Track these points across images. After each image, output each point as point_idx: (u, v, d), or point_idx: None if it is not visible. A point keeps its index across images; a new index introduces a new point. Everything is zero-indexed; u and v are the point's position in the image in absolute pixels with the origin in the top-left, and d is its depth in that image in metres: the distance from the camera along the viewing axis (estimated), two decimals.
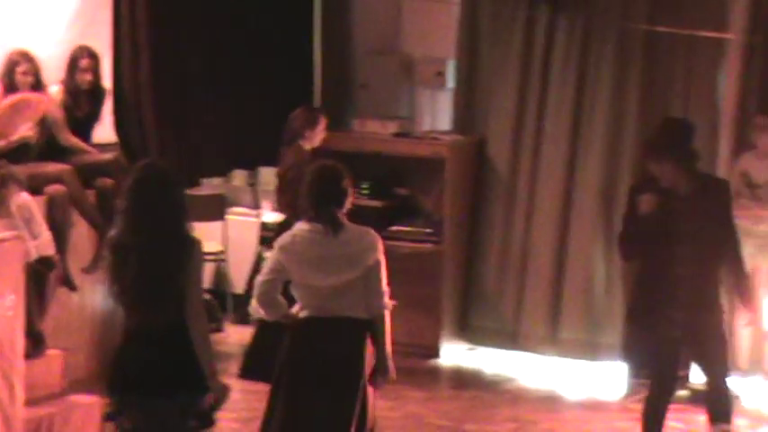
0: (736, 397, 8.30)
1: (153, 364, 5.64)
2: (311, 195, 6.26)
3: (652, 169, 6.95)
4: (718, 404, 7.09)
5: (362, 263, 6.27)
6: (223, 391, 5.80)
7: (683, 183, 6.83)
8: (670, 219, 6.85)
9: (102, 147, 8.60)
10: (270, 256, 6.42)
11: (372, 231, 6.40)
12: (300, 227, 6.27)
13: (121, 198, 5.79)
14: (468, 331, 9.80)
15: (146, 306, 5.64)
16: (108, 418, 6.13)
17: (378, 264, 6.33)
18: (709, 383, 7.14)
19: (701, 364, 7.24)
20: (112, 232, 5.76)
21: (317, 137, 8.69)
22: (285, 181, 8.50)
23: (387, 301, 6.41)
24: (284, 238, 6.30)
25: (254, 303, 6.49)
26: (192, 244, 5.64)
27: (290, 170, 8.31)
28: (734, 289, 7.06)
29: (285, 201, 8.49)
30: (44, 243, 7.24)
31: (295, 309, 6.33)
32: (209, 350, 5.70)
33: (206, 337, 5.72)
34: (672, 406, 7.20)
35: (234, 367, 9.17)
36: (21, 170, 7.71)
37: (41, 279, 7.25)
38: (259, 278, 6.36)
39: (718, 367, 7.12)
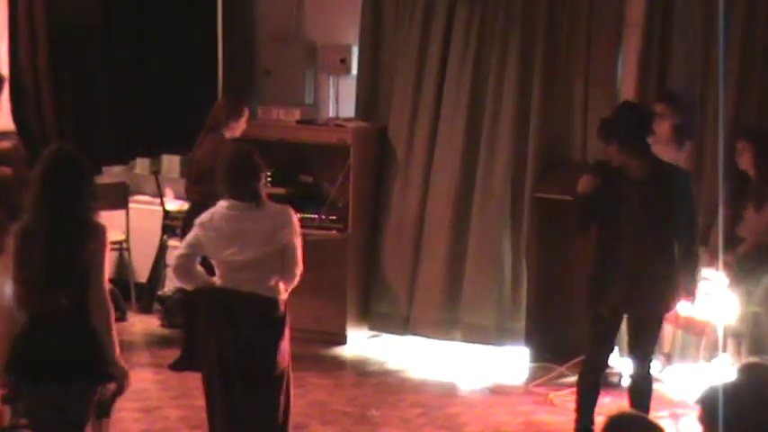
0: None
1: (53, 349, 5.66)
2: (231, 174, 6.52)
3: (605, 151, 7.31)
4: (638, 390, 7.27)
5: (277, 239, 6.46)
6: (124, 379, 5.78)
7: (634, 166, 7.00)
8: (618, 200, 7.02)
9: (0, 135, 8.49)
10: (190, 232, 6.63)
11: (289, 209, 6.58)
12: (220, 204, 6.53)
13: (30, 184, 5.80)
14: (370, 318, 9.83)
15: (49, 290, 5.65)
16: (4, 401, 6.09)
17: (291, 242, 6.41)
18: (633, 368, 7.32)
19: (629, 345, 7.42)
20: (20, 220, 5.77)
21: (239, 128, 8.75)
22: (202, 168, 8.49)
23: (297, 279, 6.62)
24: (204, 215, 6.57)
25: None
26: (98, 230, 5.67)
27: (209, 158, 8.29)
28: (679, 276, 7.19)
29: (199, 188, 8.48)
30: None
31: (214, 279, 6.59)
32: (111, 336, 5.69)
33: (109, 323, 5.70)
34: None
35: (138, 357, 9.19)
36: None
37: None
38: (177, 252, 6.61)
39: (642, 352, 7.29)
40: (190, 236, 6.61)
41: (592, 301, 7.30)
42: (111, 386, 5.75)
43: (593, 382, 7.37)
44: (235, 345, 6.60)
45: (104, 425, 6.06)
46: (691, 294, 7.21)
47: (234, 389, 6.69)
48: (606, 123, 7.49)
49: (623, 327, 7.47)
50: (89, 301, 5.65)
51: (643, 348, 7.33)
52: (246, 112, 8.69)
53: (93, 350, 5.67)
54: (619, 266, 7.13)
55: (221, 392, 6.68)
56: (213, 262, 6.61)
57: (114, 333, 5.73)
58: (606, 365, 7.54)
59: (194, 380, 8.26)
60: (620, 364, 8.36)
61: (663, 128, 8.29)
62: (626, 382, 8.22)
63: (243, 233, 6.47)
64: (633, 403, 7.32)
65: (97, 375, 5.71)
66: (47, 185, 5.72)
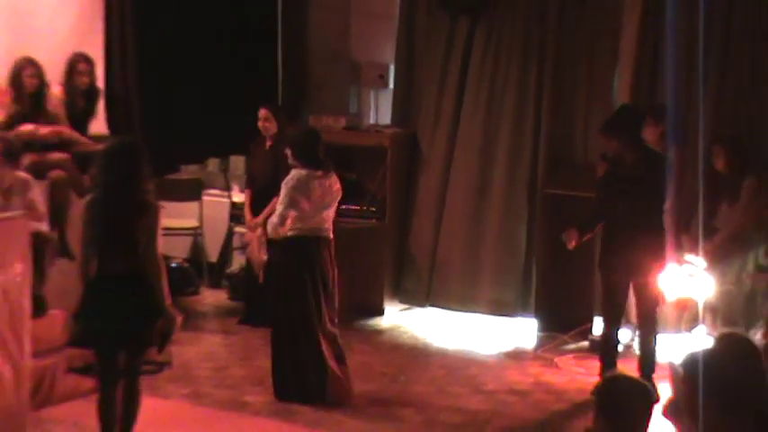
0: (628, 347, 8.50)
1: (114, 300, 5.88)
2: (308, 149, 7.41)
3: (607, 147, 7.66)
4: (646, 355, 7.42)
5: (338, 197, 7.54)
6: (173, 321, 5.92)
7: (630, 156, 7.21)
8: (617, 184, 7.40)
9: (97, 138, 8.56)
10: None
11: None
12: (300, 172, 7.31)
13: (95, 167, 5.97)
14: (402, 293, 9.84)
15: (111, 253, 5.88)
16: (72, 345, 6.20)
17: None
18: (640, 336, 7.54)
19: (637, 314, 7.80)
20: (89, 196, 5.92)
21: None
22: None
23: None
24: (292, 180, 7.30)
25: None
26: (152, 207, 5.84)
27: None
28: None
29: None
30: (39, 220, 7.22)
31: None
32: (161, 289, 5.83)
33: (159, 279, 5.86)
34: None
35: (209, 325, 9.25)
36: (28, 157, 7.70)
37: (40, 251, 7.24)
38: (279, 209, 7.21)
39: (647, 320, 7.46)
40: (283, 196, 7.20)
41: (603, 269, 7.47)
42: (161, 323, 5.90)
43: (612, 335, 7.52)
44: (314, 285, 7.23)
45: (165, 354, 6.22)
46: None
47: (298, 341, 7.13)
48: (609, 122, 7.69)
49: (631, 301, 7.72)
50: (143, 263, 5.84)
51: (648, 315, 7.48)
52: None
53: (145, 299, 5.82)
54: (621, 239, 7.34)
55: (287, 346, 7.11)
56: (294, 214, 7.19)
57: (164, 286, 5.88)
58: (620, 324, 7.67)
59: (255, 343, 8.37)
60: (624, 334, 8.36)
61: (652, 134, 8.27)
62: (629, 349, 8.33)
63: (324, 193, 7.23)
64: (641, 368, 7.41)
65: (149, 318, 5.86)
66: (106, 168, 5.93)
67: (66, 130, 8.17)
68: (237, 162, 10.53)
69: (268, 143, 8.91)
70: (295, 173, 7.35)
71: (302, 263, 7.27)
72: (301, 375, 7.27)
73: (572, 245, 7.70)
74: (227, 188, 10.38)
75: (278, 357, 7.33)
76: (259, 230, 8.49)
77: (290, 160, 7.42)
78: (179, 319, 6.08)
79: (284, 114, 8.85)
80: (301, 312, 7.25)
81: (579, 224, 7.74)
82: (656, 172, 7.39)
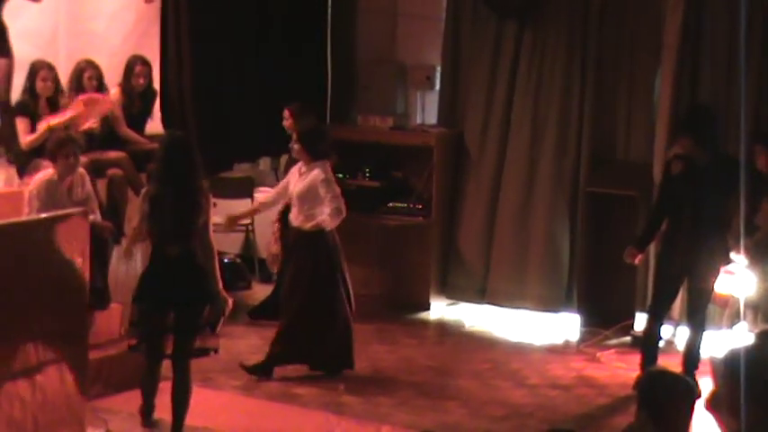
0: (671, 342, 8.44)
1: (171, 283, 6.07)
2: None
3: (679, 143, 7.50)
4: (691, 353, 7.39)
5: None
6: (225, 304, 6.08)
7: (702, 155, 7.12)
8: (687, 183, 7.26)
9: (153, 138, 8.62)
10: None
11: None
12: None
13: (153, 161, 6.13)
14: (448, 289, 9.84)
15: (168, 239, 6.10)
16: (132, 325, 6.32)
17: None
18: (689, 333, 7.48)
19: (687, 312, 7.79)
20: (147, 187, 6.27)
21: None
22: None
23: None
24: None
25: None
26: (203, 194, 5.99)
27: None
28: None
29: None
30: (94, 212, 7.32)
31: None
32: (214, 273, 5.95)
33: (213, 262, 5.96)
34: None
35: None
36: (87, 156, 7.78)
37: (100, 243, 7.33)
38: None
39: (692, 316, 7.41)
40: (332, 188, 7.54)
41: (662, 264, 7.50)
42: (212, 308, 6.02)
43: (656, 331, 7.48)
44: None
45: (214, 340, 6.30)
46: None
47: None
48: (686, 121, 7.65)
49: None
50: (199, 247, 5.98)
51: (698, 312, 7.46)
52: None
53: (199, 282, 5.92)
54: (686, 237, 7.30)
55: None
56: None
57: (216, 270, 5.96)
58: (664, 319, 7.62)
59: None
60: (666, 330, 8.30)
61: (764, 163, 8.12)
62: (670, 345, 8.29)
63: None
64: (685, 364, 7.37)
65: (200, 300, 5.97)
66: (162, 162, 6.21)
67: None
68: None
69: (293, 143, 8.87)
70: (323, 166, 7.52)
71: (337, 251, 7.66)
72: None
73: (637, 261, 7.66)
74: None
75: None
76: (275, 225, 8.59)
77: (295, 153, 7.70)
78: (230, 302, 6.17)
79: (309, 115, 8.77)
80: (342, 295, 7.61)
81: (638, 239, 7.68)
82: (729, 175, 7.24)
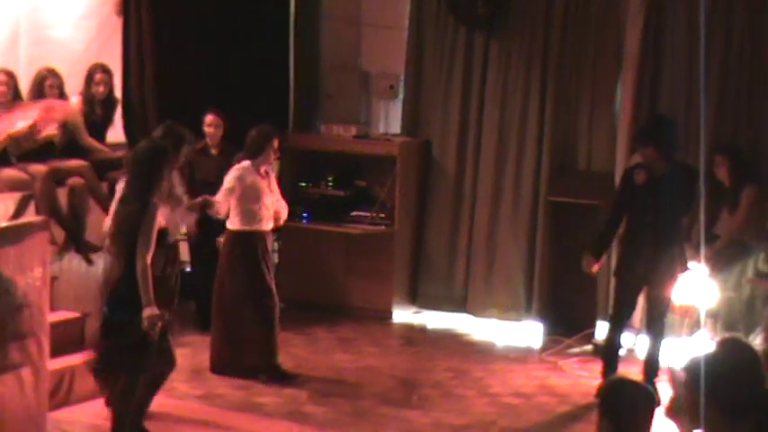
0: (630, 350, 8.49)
1: (115, 291, 6.13)
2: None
3: (640, 152, 7.49)
4: (651, 361, 7.43)
5: None
6: (155, 318, 5.97)
7: (661, 165, 7.17)
8: (650, 193, 7.27)
9: (114, 146, 8.58)
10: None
11: None
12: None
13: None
14: (414, 297, 9.85)
15: (114, 251, 6.16)
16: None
17: None
18: (649, 342, 7.53)
19: (646, 321, 7.80)
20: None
21: None
22: None
23: None
24: None
25: None
26: (148, 206, 5.92)
27: None
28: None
29: None
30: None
31: None
32: (144, 286, 5.86)
33: (142, 276, 5.89)
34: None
35: None
36: (48, 164, 7.72)
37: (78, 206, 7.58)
38: None
39: (652, 325, 7.46)
40: None
41: (622, 273, 7.48)
42: (144, 320, 6.00)
43: (617, 339, 7.51)
44: None
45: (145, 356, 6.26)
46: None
47: None
48: (646, 131, 7.63)
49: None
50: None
51: (658, 321, 7.50)
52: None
53: (132, 293, 5.93)
54: (645, 246, 7.33)
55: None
56: None
57: (144, 284, 5.93)
58: (624, 328, 7.66)
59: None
60: (628, 339, 8.34)
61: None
62: (631, 353, 8.34)
63: None
64: (645, 372, 7.41)
65: (131, 311, 5.91)
66: (126, 174, 6.28)
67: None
68: None
69: (214, 150, 8.84)
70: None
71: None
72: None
73: (595, 269, 7.69)
74: None
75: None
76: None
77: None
78: (158, 316, 6.04)
79: (230, 121, 8.76)
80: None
81: (592, 247, 7.69)
82: (688, 184, 7.29)
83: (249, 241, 7.72)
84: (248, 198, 7.68)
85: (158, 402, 6.46)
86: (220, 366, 7.78)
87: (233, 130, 8.82)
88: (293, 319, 8.99)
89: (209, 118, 8.81)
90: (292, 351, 8.43)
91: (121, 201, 6.26)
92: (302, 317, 9.32)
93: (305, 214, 9.81)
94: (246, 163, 7.73)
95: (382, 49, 10.22)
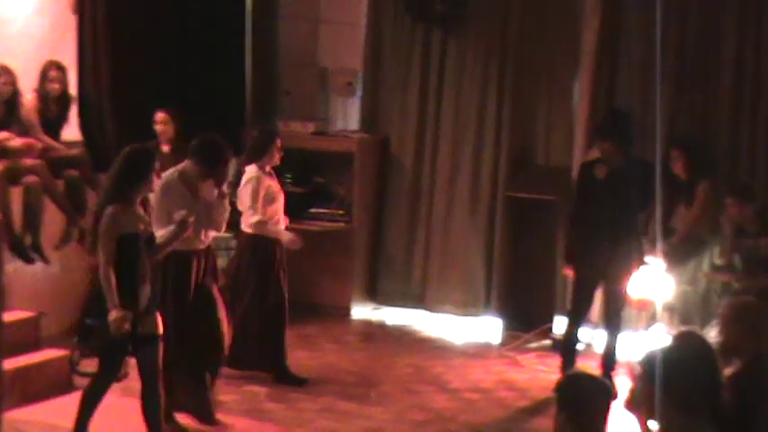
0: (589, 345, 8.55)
1: (92, 293, 6.13)
2: None
3: (598, 147, 7.48)
4: (605, 355, 7.46)
5: None
6: (119, 321, 5.89)
7: (618, 159, 7.19)
8: (609, 187, 7.30)
9: (70, 144, 8.51)
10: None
11: None
12: None
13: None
14: (372, 294, 9.85)
15: (93, 253, 6.08)
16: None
17: None
18: (606, 336, 7.54)
19: (604, 315, 7.79)
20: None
21: None
22: None
23: None
24: None
25: None
26: (101, 212, 5.90)
27: None
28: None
29: None
30: None
31: None
32: (107, 289, 5.82)
33: (105, 278, 5.83)
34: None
35: None
36: (2, 163, 7.64)
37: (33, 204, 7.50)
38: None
39: (609, 319, 7.49)
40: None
41: (578, 266, 7.54)
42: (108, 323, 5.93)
43: (575, 334, 7.54)
44: None
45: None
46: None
47: None
48: (604, 125, 7.63)
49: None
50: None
51: (615, 315, 7.52)
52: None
53: (99, 297, 5.90)
54: (601, 240, 7.35)
55: None
56: None
57: (107, 287, 5.87)
58: (582, 322, 7.69)
59: None
60: (585, 333, 8.38)
61: (737, 213, 8.18)
62: (589, 348, 8.38)
63: None
64: (603, 366, 7.45)
65: (96, 315, 5.89)
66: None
67: (38, 144, 8.08)
68: None
69: (165, 147, 8.71)
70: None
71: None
72: None
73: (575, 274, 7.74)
74: None
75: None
76: None
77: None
78: (122, 319, 5.98)
79: (183, 118, 8.69)
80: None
81: (565, 254, 7.78)
82: (644, 178, 7.31)
83: (265, 245, 7.59)
84: (264, 201, 7.59)
85: (117, 404, 6.41)
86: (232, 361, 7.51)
87: (190, 127, 8.76)
88: None
89: (159, 115, 8.71)
90: None
91: (99, 201, 6.19)
92: None
93: None
94: (252, 167, 7.59)
95: (340, 46, 10.20)
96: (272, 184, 7.65)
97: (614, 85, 8.94)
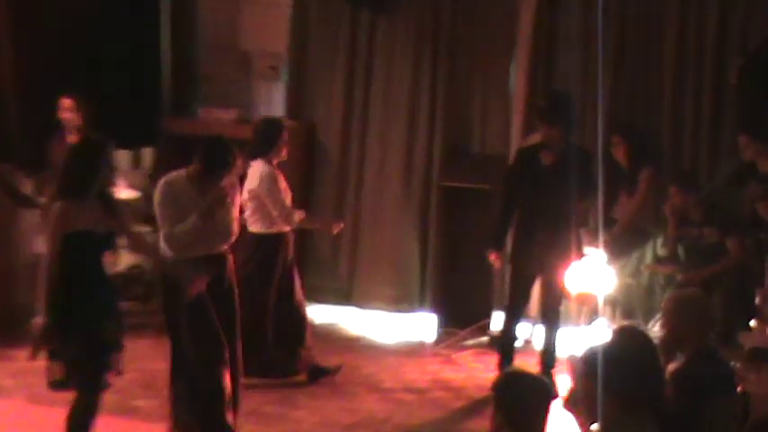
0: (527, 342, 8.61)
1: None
2: None
3: (543, 132, 7.41)
4: (544, 352, 7.50)
5: None
6: (34, 331, 5.81)
7: (561, 146, 7.19)
8: (538, 174, 7.33)
9: None
10: None
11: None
12: None
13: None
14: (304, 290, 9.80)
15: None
16: None
17: None
18: (545, 333, 7.58)
19: (541, 310, 7.83)
20: None
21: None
22: None
23: None
24: None
25: None
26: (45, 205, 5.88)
27: None
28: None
29: None
30: None
31: None
32: (46, 287, 5.73)
33: (47, 279, 5.73)
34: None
35: None
36: None
37: None
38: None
39: (547, 314, 7.52)
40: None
41: (515, 260, 7.52)
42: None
43: (512, 330, 7.57)
44: None
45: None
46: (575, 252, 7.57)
47: None
48: (551, 109, 7.53)
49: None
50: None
51: (552, 310, 7.55)
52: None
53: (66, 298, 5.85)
54: (537, 232, 7.40)
55: None
56: None
57: (40, 285, 5.79)
58: (520, 318, 7.72)
59: (144, 348, 8.25)
60: (523, 329, 8.43)
61: (680, 202, 8.22)
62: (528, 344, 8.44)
63: None
64: (542, 363, 7.50)
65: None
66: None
67: None
68: (121, 156, 10.34)
69: (71, 137, 8.42)
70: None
71: None
72: None
73: (501, 263, 7.73)
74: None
75: None
76: None
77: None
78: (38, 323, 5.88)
79: (92, 106, 8.57)
80: None
81: (491, 239, 7.75)
82: (583, 166, 7.32)
83: (275, 245, 7.60)
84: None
85: (26, 411, 6.31)
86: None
87: (103, 115, 8.65)
88: None
89: (65, 102, 8.50)
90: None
91: (50, 197, 6.06)
92: None
93: None
94: (259, 163, 7.55)
95: (263, 28, 10.13)
96: (282, 179, 7.66)
97: (553, 68, 8.99)
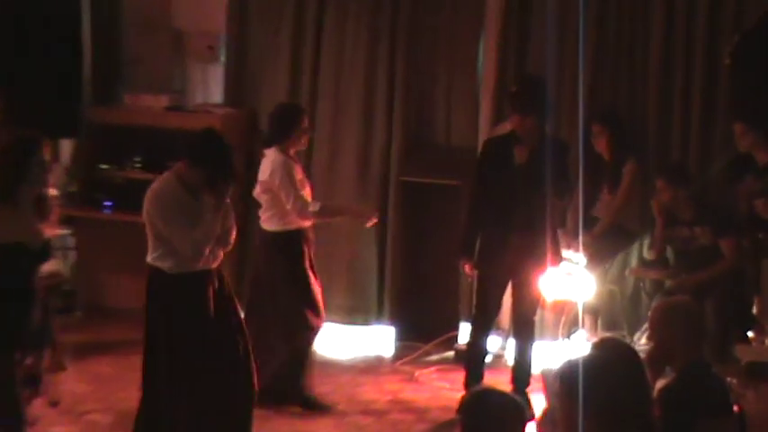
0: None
1: None
2: None
3: (516, 122, 7.41)
4: (517, 368, 7.52)
5: None
6: None
7: (535, 138, 7.19)
8: (523, 171, 7.34)
9: None
10: None
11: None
12: None
13: None
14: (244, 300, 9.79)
15: None
16: None
17: None
18: (516, 347, 7.61)
19: (513, 324, 7.84)
20: None
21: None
22: None
23: None
24: None
25: None
26: None
27: None
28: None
29: None
30: None
31: None
32: None
33: None
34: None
35: None
36: None
37: None
38: None
39: (521, 326, 7.54)
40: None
41: (481, 265, 7.54)
42: None
43: (481, 343, 7.61)
44: None
45: None
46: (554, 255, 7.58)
47: None
48: (525, 97, 7.51)
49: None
50: None
51: (525, 321, 7.57)
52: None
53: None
54: (506, 233, 7.42)
55: None
56: None
57: None
58: (490, 330, 7.74)
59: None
60: (494, 342, 8.45)
61: (667, 196, 8.24)
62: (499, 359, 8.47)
63: None
64: (515, 381, 7.53)
65: None
66: None
67: None
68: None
69: None
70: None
71: None
72: None
73: (472, 271, 7.76)
74: None
75: None
76: None
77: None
78: None
79: (9, 93, 8.53)
80: None
81: (461, 246, 7.75)
82: (559, 160, 7.34)
83: (292, 243, 7.61)
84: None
85: None
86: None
87: (19, 104, 8.60)
88: (93, 328, 8.98)
89: None
90: (97, 369, 8.33)
91: None
92: (103, 324, 9.29)
93: (107, 203, 9.72)
94: (273, 151, 7.58)
95: (198, 5, 10.12)
96: (300, 170, 7.67)
97: (525, 52, 9.02)
